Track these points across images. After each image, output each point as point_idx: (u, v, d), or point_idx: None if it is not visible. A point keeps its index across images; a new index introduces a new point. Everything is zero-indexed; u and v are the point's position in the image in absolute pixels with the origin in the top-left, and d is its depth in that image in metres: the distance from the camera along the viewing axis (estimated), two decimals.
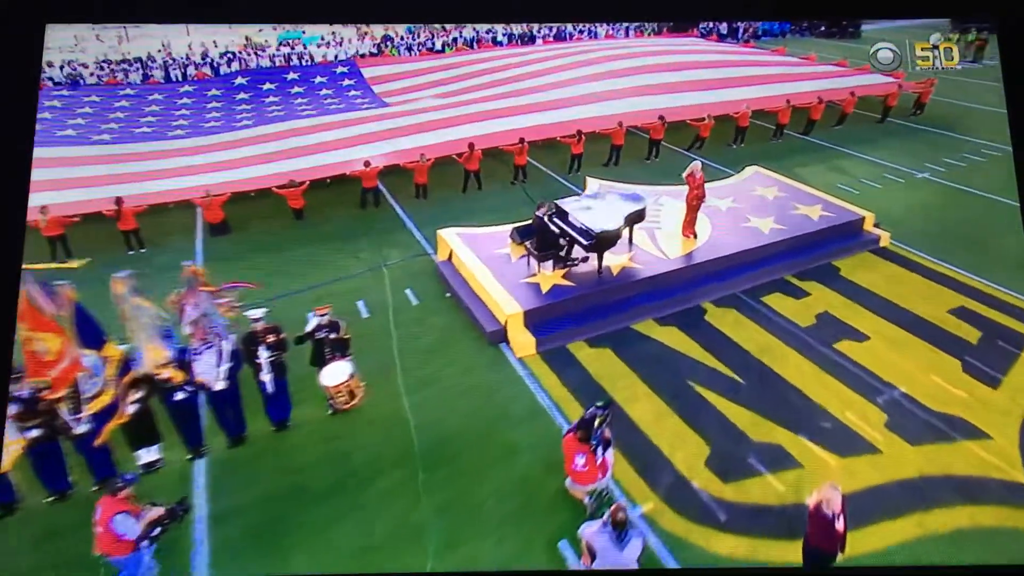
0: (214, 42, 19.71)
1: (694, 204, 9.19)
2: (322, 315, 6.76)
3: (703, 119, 13.62)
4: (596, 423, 5.53)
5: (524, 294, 8.32)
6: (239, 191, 11.12)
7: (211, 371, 6.07)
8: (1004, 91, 6.44)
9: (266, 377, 6.42)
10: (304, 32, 21.35)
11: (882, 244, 10.06)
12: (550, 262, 8.71)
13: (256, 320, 6.43)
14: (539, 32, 23.14)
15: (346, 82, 17.92)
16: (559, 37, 23.29)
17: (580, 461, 5.62)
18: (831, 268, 9.58)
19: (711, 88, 14.92)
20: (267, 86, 17.22)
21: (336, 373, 6.69)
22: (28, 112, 5.59)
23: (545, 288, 8.49)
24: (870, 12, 7.66)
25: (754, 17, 11.99)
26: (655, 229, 9.82)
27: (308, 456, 6.50)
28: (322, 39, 20.79)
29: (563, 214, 8.98)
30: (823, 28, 25.22)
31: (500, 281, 8.63)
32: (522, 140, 12.28)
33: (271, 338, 6.46)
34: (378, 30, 22.05)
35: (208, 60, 19.30)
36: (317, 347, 6.83)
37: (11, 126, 5.50)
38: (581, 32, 23.47)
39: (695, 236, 9.46)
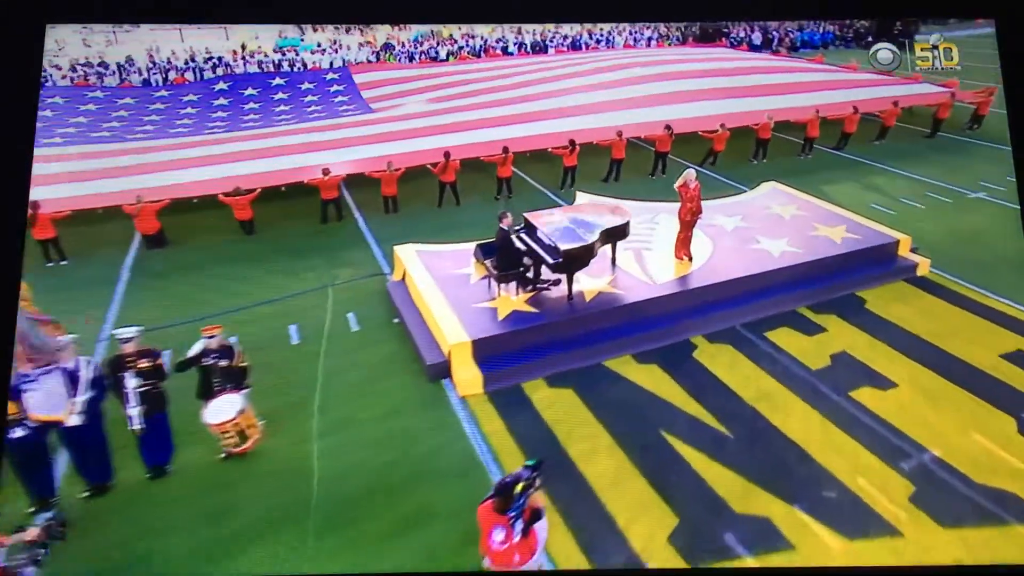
0: (206, 48, 19.54)
1: (688, 220, 8.21)
2: (209, 337, 5.87)
3: (716, 130, 12.61)
4: (518, 489, 4.49)
5: (476, 321, 7.42)
6: (179, 197, 10.43)
7: (58, 402, 5.19)
8: (1004, 91, 6.32)
9: (133, 411, 5.57)
10: (303, 39, 21.16)
11: (920, 272, 8.91)
12: (513, 284, 7.92)
13: (125, 341, 5.55)
14: (552, 43, 22.53)
15: (334, 88, 17.43)
16: (575, 47, 22.63)
17: (498, 537, 4.60)
18: (855, 300, 8.45)
19: (729, 97, 13.99)
20: (249, 91, 16.79)
21: (222, 409, 5.81)
22: (28, 112, 5.75)
23: (502, 314, 7.59)
24: (870, 12, 7.52)
25: (753, 17, 11.53)
26: (644, 249, 8.85)
27: (182, 512, 5.60)
28: (318, 46, 20.53)
29: (531, 228, 8.03)
30: (870, 38, 24.08)
31: (452, 305, 7.69)
32: (506, 150, 11.46)
33: (143, 363, 5.61)
34: (379, 38, 21.71)
35: (191, 65, 19.08)
36: (204, 376, 5.94)
37: (11, 126, 5.68)
38: (598, 42, 22.78)
39: (690, 258, 8.46)
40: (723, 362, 7.36)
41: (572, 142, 11.94)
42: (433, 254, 9.04)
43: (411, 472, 5.96)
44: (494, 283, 7.98)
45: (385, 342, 7.87)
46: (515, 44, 23.15)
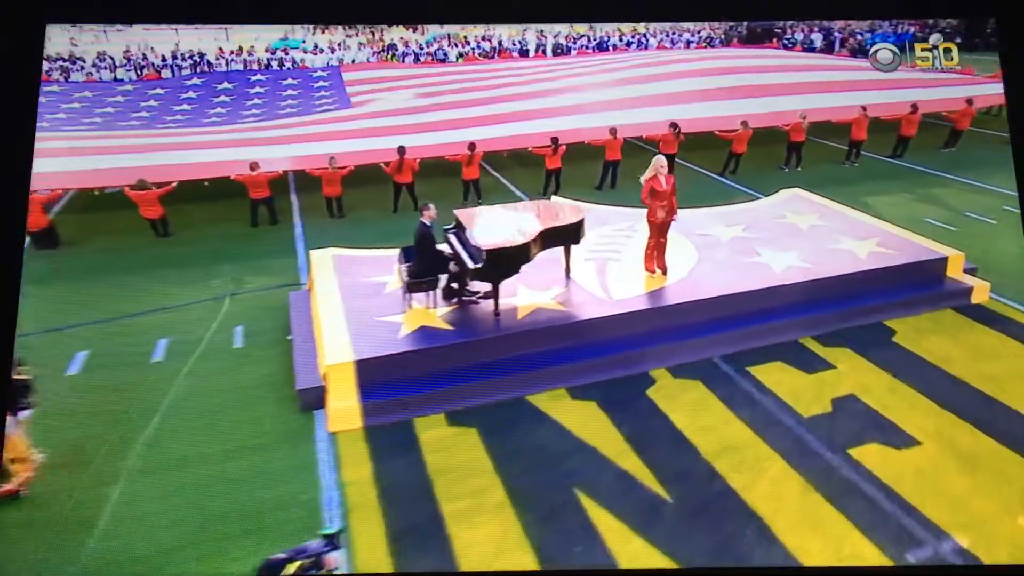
0: (190, 49, 19.55)
1: (658, 222, 7.09)
2: None
3: (735, 129, 11.35)
4: (289, 571, 3.39)
5: (371, 338, 6.51)
6: (71, 188, 9.79)
7: None
8: (1004, 91, 6.35)
9: None
10: (304, 41, 21.07)
11: (976, 299, 7.55)
12: (431, 294, 7.07)
13: None
14: (575, 45, 21.72)
15: (319, 84, 16.98)
16: (601, 49, 21.77)
17: None
18: (880, 330, 7.12)
19: (753, 95, 12.75)
20: (222, 86, 16.43)
21: None
22: (28, 112, 5.97)
23: (407, 331, 6.49)
24: (870, 12, 7.71)
25: (749, 17, 11.91)
26: (612, 260, 7.66)
27: None
28: (315, 47, 20.33)
29: (462, 229, 7.00)
30: (959, 39, 22.26)
31: (349, 318, 6.79)
32: (472, 147, 10.49)
33: None
34: (394, 41, 21.41)
35: (168, 63, 19.00)
36: None
37: (11, 126, 5.90)
38: (628, 44, 21.84)
39: (663, 271, 7.23)
40: (685, 403, 6.07)
41: (555, 140, 10.89)
42: (351, 259, 8.15)
43: (233, 530, 4.89)
44: (420, 294, 7.05)
45: (266, 362, 6.91)
46: (536, 46, 22.44)
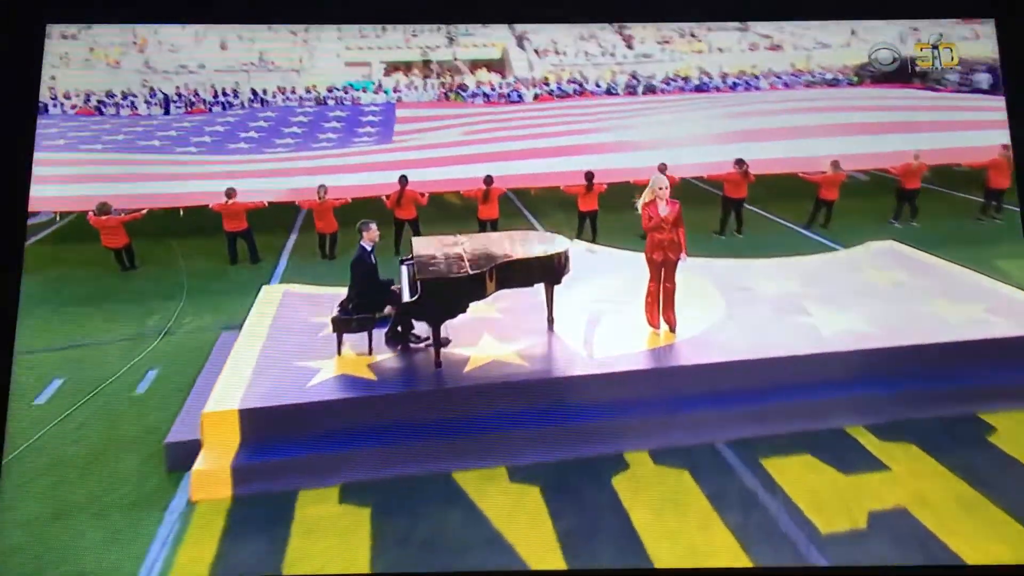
0: (255, 88, 20.47)
1: (656, 261, 6.26)
2: None
3: (823, 171, 10.21)
4: None
5: (273, 384, 6.03)
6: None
7: None
8: (1004, 91, 6.88)
9: None
10: (375, 84, 21.70)
11: None
12: (372, 336, 6.55)
13: None
14: (669, 86, 21.10)
15: (366, 119, 17.11)
16: (700, 89, 21.04)
17: None
18: (973, 424, 5.86)
19: (853, 133, 11.54)
20: (255, 122, 16.87)
21: None
22: (28, 113, 6.38)
23: (320, 379, 6.08)
24: (869, 12, 8.22)
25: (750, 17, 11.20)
26: (616, 311, 7.12)
27: None
28: (378, 85, 20.77)
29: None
30: None
31: (261, 359, 6.44)
32: (489, 180, 9.91)
33: None
34: (470, 82, 21.65)
35: (221, 99, 19.80)
36: None
37: (11, 127, 6.25)
38: (734, 86, 20.98)
39: (671, 327, 6.47)
40: (655, 496, 5.12)
41: (589, 176, 10.10)
42: (304, 297, 7.82)
43: None
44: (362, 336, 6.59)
45: (160, 410, 6.51)
46: (625, 87, 21.94)
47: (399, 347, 6.58)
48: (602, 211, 10.49)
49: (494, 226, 10.05)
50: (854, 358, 6.24)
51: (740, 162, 10.26)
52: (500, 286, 6.32)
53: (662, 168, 9.73)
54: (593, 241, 10.11)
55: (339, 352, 6.48)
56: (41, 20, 6.52)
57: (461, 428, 5.78)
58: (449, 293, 6.05)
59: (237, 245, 10.14)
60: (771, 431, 5.85)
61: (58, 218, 10.54)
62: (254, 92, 18.84)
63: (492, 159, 12.06)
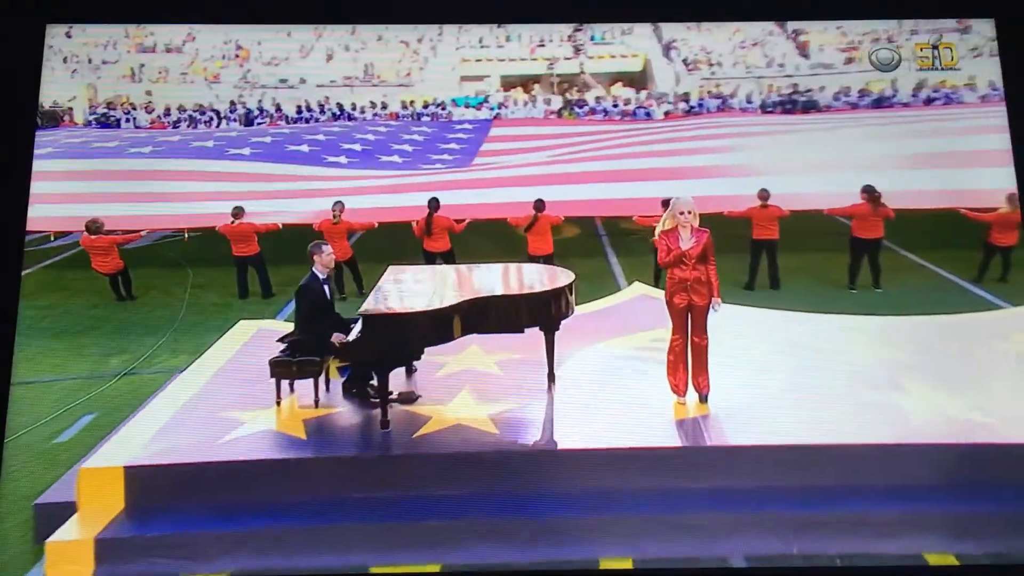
0: (342, 103, 21.16)
1: (678, 307, 5.69)
2: None
3: (995, 208, 9.12)
4: None
5: (182, 436, 5.83)
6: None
7: None
8: (1005, 92, 7.41)
9: None
10: (485, 99, 21.87)
11: None
12: (313, 381, 6.32)
13: None
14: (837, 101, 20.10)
15: (453, 136, 17.22)
16: (879, 105, 19.90)
17: None
18: None
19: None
20: (314, 135, 17.23)
21: None
22: (28, 114, 6.77)
23: (240, 434, 5.83)
24: (867, 13, 8.78)
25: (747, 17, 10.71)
26: (643, 369, 6.59)
27: None
28: (485, 100, 20.82)
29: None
30: None
31: (188, 405, 6.34)
32: (540, 205, 9.50)
33: None
34: (589, 98, 21.58)
35: (305, 115, 20.49)
36: None
37: (10, 128, 6.66)
38: (931, 100, 19.63)
39: (701, 394, 6.00)
40: None
41: (667, 205, 9.43)
42: (279, 335, 7.45)
43: None
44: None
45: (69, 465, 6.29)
46: (780, 103, 21.01)
47: (358, 401, 6.30)
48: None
49: (549, 262, 9.50)
50: (949, 456, 5.42)
51: (869, 190, 9.30)
52: (473, 329, 5.97)
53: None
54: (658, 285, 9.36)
55: (277, 402, 6.22)
56: (41, 20, 6.87)
57: (392, 510, 5.34)
58: (399, 332, 5.68)
59: (248, 275, 10.00)
60: (817, 548, 5.15)
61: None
62: (340, 107, 19.12)
63: (576, 180, 11.61)
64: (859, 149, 11.46)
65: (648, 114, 20.42)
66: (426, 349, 6.10)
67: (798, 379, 6.39)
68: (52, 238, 10.83)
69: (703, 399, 5.93)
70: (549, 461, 5.52)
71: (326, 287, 6.22)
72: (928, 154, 10.99)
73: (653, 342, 6.93)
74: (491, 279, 6.52)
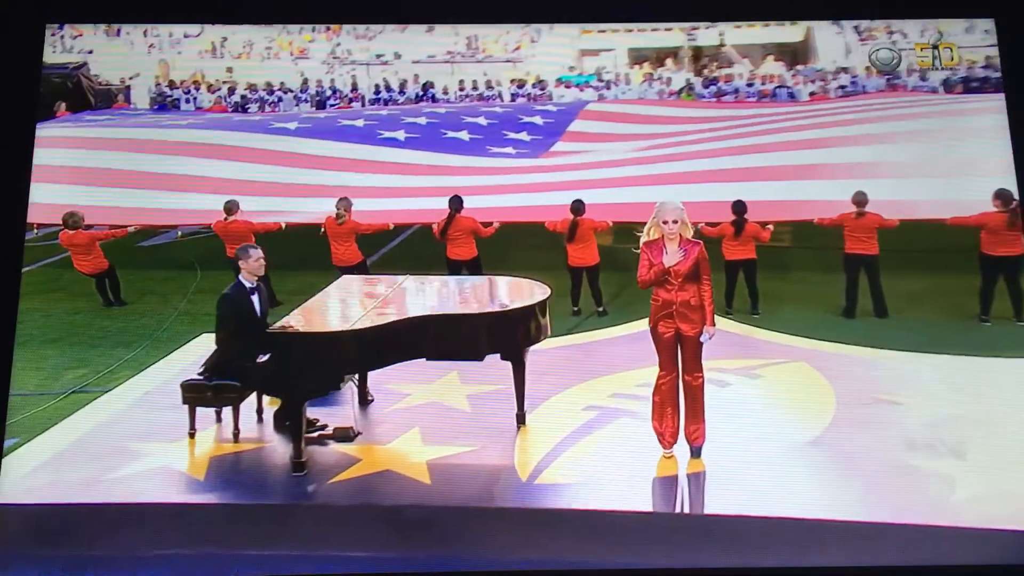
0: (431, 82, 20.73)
1: (664, 338, 4.81)
2: None
3: None
4: None
5: (68, 471, 5.32)
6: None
7: None
8: (1005, 93, 7.42)
9: None
10: (596, 76, 21.10)
11: None
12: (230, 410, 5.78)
13: None
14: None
15: (527, 120, 16.40)
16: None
17: None
18: None
19: None
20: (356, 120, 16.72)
21: None
22: (27, 113, 6.91)
23: (133, 470, 5.28)
24: (866, 12, 9.11)
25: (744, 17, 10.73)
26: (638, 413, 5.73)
27: None
28: (599, 79, 19.86)
29: None
30: None
31: (94, 432, 5.89)
32: (578, 209, 8.75)
33: None
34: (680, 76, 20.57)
35: (383, 95, 20.01)
36: None
37: (10, 128, 6.77)
38: None
39: (694, 447, 5.04)
40: None
41: (738, 209, 8.57)
42: None
43: None
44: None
45: None
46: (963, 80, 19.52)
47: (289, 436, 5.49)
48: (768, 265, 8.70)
49: (591, 277, 8.65)
50: (988, 544, 4.41)
51: (1005, 197, 8.04)
52: (420, 353, 5.30)
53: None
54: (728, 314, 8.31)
55: (191, 433, 5.57)
56: (41, 20, 7.02)
57: (288, 568, 4.64)
58: (313, 356, 4.97)
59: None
60: None
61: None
62: (425, 88, 18.17)
63: (663, 180, 10.50)
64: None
65: (792, 95, 18.44)
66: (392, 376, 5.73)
67: (831, 435, 5.52)
68: (35, 231, 10.38)
69: (695, 453, 5.05)
70: (482, 521, 4.75)
71: (255, 298, 5.57)
72: None
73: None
74: (449, 294, 6.06)
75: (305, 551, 4.61)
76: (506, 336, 5.34)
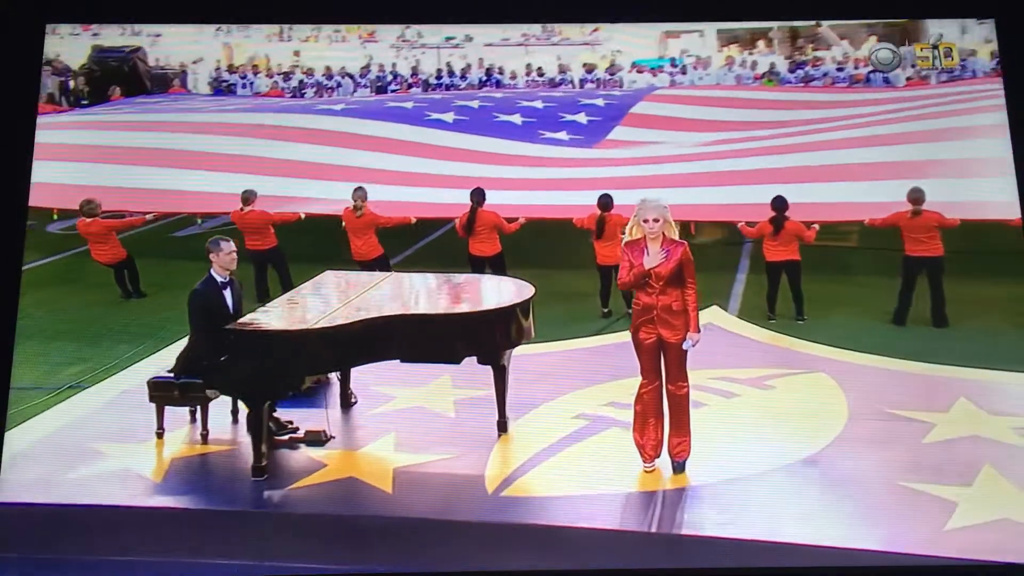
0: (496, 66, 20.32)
1: (646, 342, 4.79)
2: None
3: None
4: None
5: (26, 471, 5.26)
6: None
7: None
8: (1005, 93, 7.32)
9: None
10: (672, 61, 20.38)
11: None
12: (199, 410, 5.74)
13: None
14: None
15: (584, 102, 15.83)
16: None
17: None
18: None
19: None
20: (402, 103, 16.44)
21: None
22: (27, 113, 6.99)
23: (95, 471, 5.22)
24: (865, 12, 9.30)
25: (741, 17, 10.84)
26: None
27: None
28: (672, 63, 19.16)
29: None
30: None
31: (68, 428, 5.86)
32: (605, 203, 8.40)
33: None
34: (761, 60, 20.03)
35: (445, 80, 19.75)
36: None
37: (10, 127, 6.84)
38: None
39: (676, 461, 4.78)
40: None
41: (778, 206, 8.18)
42: None
43: None
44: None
45: None
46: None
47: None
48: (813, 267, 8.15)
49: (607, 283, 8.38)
50: None
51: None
52: (379, 355, 5.13)
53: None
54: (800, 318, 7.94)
55: (159, 433, 5.48)
56: (41, 20, 7.06)
57: None
58: (267, 356, 4.85)
59: (268, 273, 9.17)
60: None
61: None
62: (488, 73, 17.67)
63: (729, 179, 10.00)
64: None
65: (887, 80, 17.25)
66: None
67: (830, 453, 5.24)
68: (55, 216, 10.35)
69: (677, 468, 4.80)
70: (440, 534, 4.57)
71: (227, 292, 5.43)
72: None
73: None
74: (427, 293, 5.87)
75: (255, 560, 4.48)
76: (482, 338, 5.17)
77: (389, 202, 9.03)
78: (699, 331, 4.68)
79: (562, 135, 13.10)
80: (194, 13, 7.93)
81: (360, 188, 8.61)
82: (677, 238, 4.73)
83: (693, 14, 9.23)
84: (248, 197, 8.68)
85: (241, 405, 5.54)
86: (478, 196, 8.28)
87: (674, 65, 18.21)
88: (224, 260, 5.35)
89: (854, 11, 8.89)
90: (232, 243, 5.51)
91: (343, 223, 8.81)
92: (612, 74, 17.28)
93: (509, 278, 6.19)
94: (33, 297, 8.79)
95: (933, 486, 4.81)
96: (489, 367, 5.39)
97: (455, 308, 5.44)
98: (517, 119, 13.42)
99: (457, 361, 5.24)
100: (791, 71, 15.79)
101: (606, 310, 8.03)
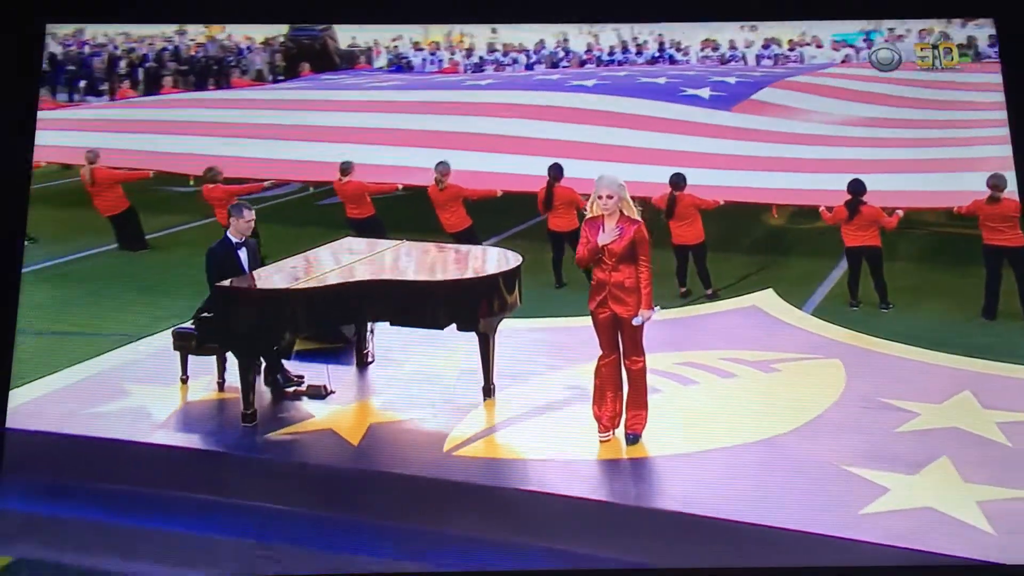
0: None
1: (601, 319, 4.96)
2: None
3: None
4: None
5: (56, 405, 5.71)
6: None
7: None
8: (1005, 93, 7.16)
9: None
10: (870, 34, 19.73)
11: None
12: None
13: None
14: None
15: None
16: None
17: None
18: None
19: None
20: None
21: None
22: (28, 112, 7.20)
23: (109, 408, 5.69)
24: (865, 12, 9.44)
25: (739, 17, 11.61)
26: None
27: None
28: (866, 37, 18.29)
29: None
30: None
31: (105, 371, 6.23)
32: (679, 182, 8.32)
33: None
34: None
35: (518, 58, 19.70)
36: None
37: (10, 127, 7.05)
38: None
39: (630, 433, 5.07)
40: None
41: (855, 188, 8.00)
42: None
43: None
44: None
45: None
46: None
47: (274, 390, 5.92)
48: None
49: (699, 256, 8.29)
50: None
51: None
52: (356, 317, 5.56)
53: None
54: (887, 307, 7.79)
55: (183, 379, 5.96)
56: (41, 20, 7.07)
57: (204, 516, 4.88)
58: (254, 313, 5.22)
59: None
60: None
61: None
62: (661, 49, 17.34)
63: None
64: None
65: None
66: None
67: (793, 437, 5.28)
68: (191, 183, 10.63)
69: (631, 440, 4.95)
70: (387, 487, 4.86)
71: (241, 253, 5.78)
72: None
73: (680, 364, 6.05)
74: (419, 261, 6.05)
75: (217, 497, 4.89)
76: (462, 306, 5.34)
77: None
78: (652, 308, 4.77)
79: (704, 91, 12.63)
80: (193, 13, 8.06)
81: (443, 162, 8.74)
82: (636, 216, 4.82)
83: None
84: (346, 168, 8.99)
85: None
86: (556, 171, 8.35)
87: (866, 39, 17.29)
88: (241, 226, 5.75)
89: (853, 11, 8.91)
90: (253, 212, 5.89)
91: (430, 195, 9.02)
92: (791, 49, 16.57)
93: (500, 248, 6.31)
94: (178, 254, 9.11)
95: (874, 472, 4.81)
96: (513, 335, 5.71)
97: (434, 276, 5.62)
98: (705, 93, 12.97)
99: (440, 327, 5.43)
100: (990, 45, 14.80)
101: (683, 289, 7.97)
